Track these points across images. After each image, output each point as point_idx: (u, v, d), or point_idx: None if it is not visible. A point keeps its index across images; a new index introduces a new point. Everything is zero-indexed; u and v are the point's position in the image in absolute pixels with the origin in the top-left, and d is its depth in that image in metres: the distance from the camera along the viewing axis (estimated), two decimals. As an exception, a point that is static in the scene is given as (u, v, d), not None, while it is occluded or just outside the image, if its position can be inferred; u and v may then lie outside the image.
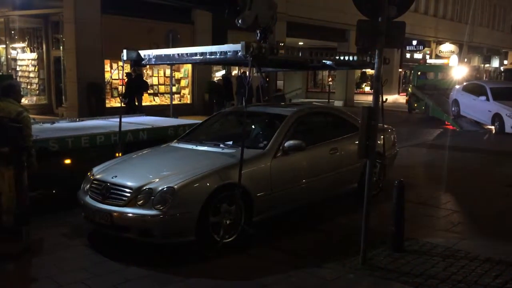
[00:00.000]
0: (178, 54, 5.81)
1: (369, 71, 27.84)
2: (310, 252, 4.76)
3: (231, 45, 5.11)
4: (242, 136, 5.03)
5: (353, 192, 6.36)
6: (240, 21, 5.69)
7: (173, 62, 6.26)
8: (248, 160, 4.90)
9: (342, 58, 5.94)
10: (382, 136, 6.60)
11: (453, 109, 16.60)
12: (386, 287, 4.05)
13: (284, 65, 7.31)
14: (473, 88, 15.96)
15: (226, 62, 5.73)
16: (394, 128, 7.78)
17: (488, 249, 4.81)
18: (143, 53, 6.27)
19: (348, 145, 6.24)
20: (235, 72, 19.37)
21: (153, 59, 6.19)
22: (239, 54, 4.86)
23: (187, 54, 5.69)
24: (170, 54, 5.96)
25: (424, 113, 18.46)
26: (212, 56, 5.38)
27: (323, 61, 5.76)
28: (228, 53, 5.10)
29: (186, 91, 18.54)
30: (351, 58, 6.01)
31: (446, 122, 16.24)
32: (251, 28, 6.00)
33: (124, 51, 6.29)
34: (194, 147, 5.72)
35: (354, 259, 4.46)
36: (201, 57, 5.53)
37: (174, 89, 17.36)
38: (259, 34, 5.84)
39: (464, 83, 17.35)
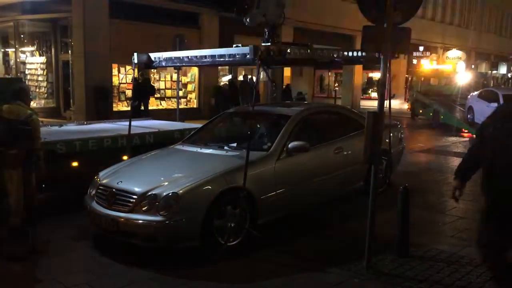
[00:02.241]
0: (187, 57, 5.88)
1: (375, 77, 27.86)
2: (314, 256, 4.77)
3: (239, 47, 5.15)
4: (246, 138, 5.05)
5: (359, 191, 6.36)
6: (248, 20, 5.72)
7: (183, 65, 6.38)
8: (252, 162, 4.91)
9: (350, 54, 5.94)
10: (389, 133, 6.62)
11: (468, 116, 16.50)
12: (390, 292, 4.05)
13: (293, 62, 7.33)
14: (487, 94, 15.86)
15: (235, 63, 5.81)
16: (400, 124, 7.78)
17: (493, 256, 4.79)
18: (153, 55, 6.35)
19: (353, 143, 6.21)
20: (241, 77, 19.44)
21: (163, 62, 6.26)
22: (248, 57, 4.90)
23: (196, 56, 5.75)
24: (180, 57, 6.03)
25: (432, 120, 18.30)
26: (221, 59, 5.44)
27: (334, 56, 5.78)
28: (237, 56, 5.15)
29: (192, 96, 18.63)
30: (359, 54, 5.99)
31: (463, 130, 16.07)
32: (258, 32, 6.02)
33: (135, 54, 6.38)
34: (199, 149, 5.74)
35: (359, 264, 4.46)
36: (210, 60, 5.59)
37: (180, 93, 17.42)
38: (267, 32, 5.87)
39: (480, 90, 17.21)
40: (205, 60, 5.69)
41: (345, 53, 5.94)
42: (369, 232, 4.39)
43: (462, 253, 4.86)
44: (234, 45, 5.47)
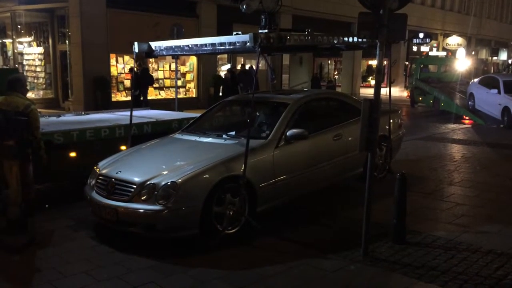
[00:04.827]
0: (188, 45, 5.87)
1: (375, 65, 27.68)
2: (312, 245, 4.79)
3: (240, 35, 5.14)
4: (244, 126, 5.04)
5: (358, 177, 6.38)
6: (244, 7, 5.69)
7: (184, 53, 6.37)
8: (250, 150, 4.90)
9: (351, 39, 5.88)
10: (390, 120, 6.63)
11: (469, 102, 16.44)
12: (386, 278, 4.07)
13: (293, 49, 7.30)
14: (488, 81, 15.75)
15: (235, 51, 5.82)
16: (400, 110, 7.77)
17: (490, 242, 4.81)
18: (153, 44, 6.35)
19: (353, 130, 6.16)
20: (239, 66, 19.39)
21: (164, 51, 6.25)
22: (248, 44, 4.89)
23: (196, 45, 5.74)
24: (180, 45, 6.02)
25: (433, 108, 18.24)
26: (222, 47, 5.43)
27: (334, 42, 5.75)
28: (237, 44, 5.14)
29: (191, 85, 18.58)
30: (360, 39, 5.92)
31: (464, 117, 15.99)
32: (257, 20, 5.98)
33: (136, 43, 6.38)
34: (197, 138, 5.75)
35: (356, 251, 4.49)
36: (211, 48, 5.58)
37: (179, 83, 17.43)
38: (263, 19, 5.84)
39: (481, 77, 17.11)
40: (206, 48, 5.68)
41: (345, 38, 5.89)
42: (366, 219, 4.41)
43: (459, 239, 4.88)
44: (234, 33, 5.45)
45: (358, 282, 4.01)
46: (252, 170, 4.88)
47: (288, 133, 5.40)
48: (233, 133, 5.74)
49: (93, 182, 5.10)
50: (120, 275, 4.06)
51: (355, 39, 5.90)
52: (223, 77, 17.77)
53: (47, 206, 5.04)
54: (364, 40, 5.82)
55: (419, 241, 4.80)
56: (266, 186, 5.10)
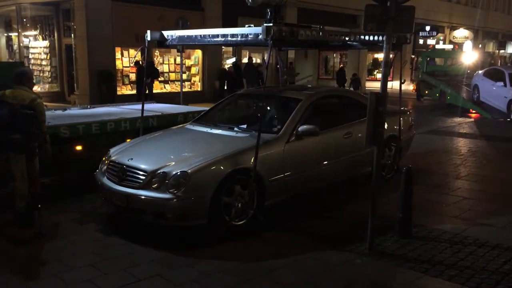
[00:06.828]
0: (200, 35, 5.86)
1: (381, 58, 27.46)
2: (318, 238, 4.79)
3: (252, 27, 5.14)
4: (256, 120, 5.04)
5: (367, 176, 6.36)
6: (250, 0, 5.67)
7: (195, 44, 6.36)
8: (261, 144, 4.90)
9: (368, 38, 5.79)
10: (401, 119, 6.60)
11: (474, 95, 16.32)
12: (392, 272, 4.07)
13: (304, 44, 7.26)
14: (493, 73, 15.65)
15: (247, 44, 5.81)
16: (411, 111, 7.72)
17: (497, 236, 4.80)
18: (166, 33, 6.35)
19: (362, 129, 6.10)
20: (245, 59, 19.33)
21: (176, 40, 6.25)
22: (260, 37, 4.88)
23: (209, 35, 5.74)
24: (192, 35, 6.01)
25: (439, 101, 18.12)
26: (233, 39, 5.42)
27: (348, 41, 5.70)
28: (249, 36, 5.14)
29: (196, 79, 18.54)
30: (380, 37, 5.68)
31: (471, 110, 15.91)
32: (262, 13, 5.96)
33: (148, 32, 6.40)
34: (209, 130, 5.77)
35: (362, 245, 4.48)
36: (223, 39, 5.58)
37: (184, 76, 17.41)
38: (269, 13, 5.81)
39: (486, 68, 16.97)
40: (217, 39, 5.68)
41: (361, 36, 5.76)
42: (372, 213, 4.39)
43: (466, 233, 4.87)
44: (246, 25, 5.44)
45: (363, 275, 4.00)
46: (262, 163, 4.87)
47: (299, 129, 5.40)
48: (244, 126, 5.74)
49: (105, 168, 5.15)
50: (126, 267, 4.08)
51: (373, 37, 5.76)
52: (227, 70, 17.74)
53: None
54: (383, 38, 5.72)
55: (425, 235, 4.79)
56: (275, 180, 5.11)
